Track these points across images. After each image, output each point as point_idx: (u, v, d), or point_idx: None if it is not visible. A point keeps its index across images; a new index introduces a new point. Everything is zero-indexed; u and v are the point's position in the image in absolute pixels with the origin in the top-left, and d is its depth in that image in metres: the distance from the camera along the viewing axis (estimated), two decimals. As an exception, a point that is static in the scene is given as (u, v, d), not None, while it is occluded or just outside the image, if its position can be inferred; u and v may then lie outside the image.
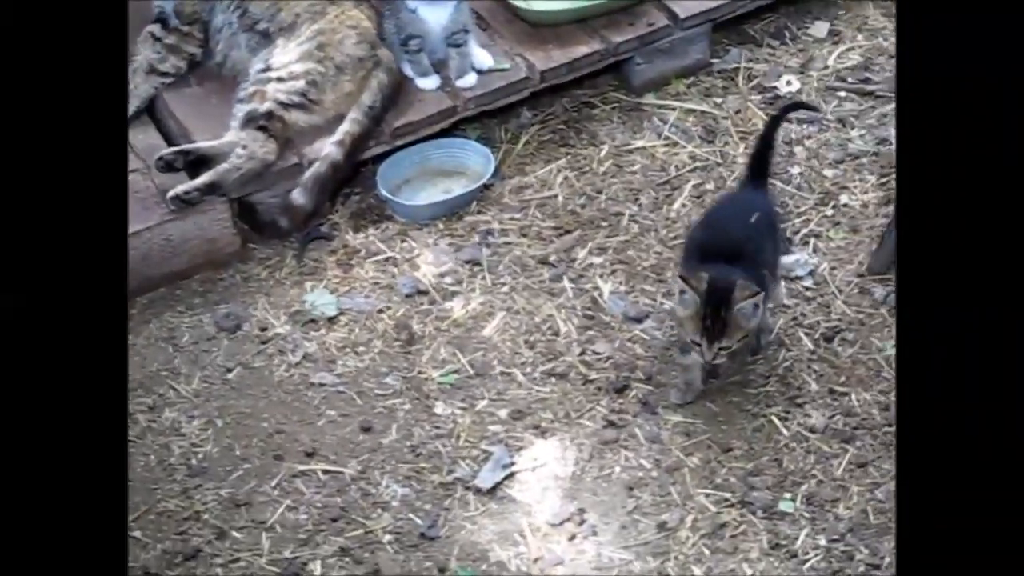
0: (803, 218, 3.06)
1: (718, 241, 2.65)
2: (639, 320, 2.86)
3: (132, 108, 3.13)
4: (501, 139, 3.29)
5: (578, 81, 3.38)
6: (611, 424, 2.67)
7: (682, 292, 2.54)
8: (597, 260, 3.00)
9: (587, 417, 2.69)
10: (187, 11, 3.23)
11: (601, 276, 2.96)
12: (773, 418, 2.67)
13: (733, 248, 2.59)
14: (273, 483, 2.58)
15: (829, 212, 3.07)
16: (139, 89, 3.16)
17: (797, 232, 3.02)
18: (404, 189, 3.16)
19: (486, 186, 3.14)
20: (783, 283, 2.86)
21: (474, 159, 3.20)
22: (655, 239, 3.05)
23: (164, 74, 3.20)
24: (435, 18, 3.12)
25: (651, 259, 3.00)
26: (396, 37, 3.17)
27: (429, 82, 3.18)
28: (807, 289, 2.90)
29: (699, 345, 2.55)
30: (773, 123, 2.87)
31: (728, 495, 2.54)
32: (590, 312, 2.88)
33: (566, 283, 2.94)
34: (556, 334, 2.84)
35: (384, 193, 3.08)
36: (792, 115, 3.19)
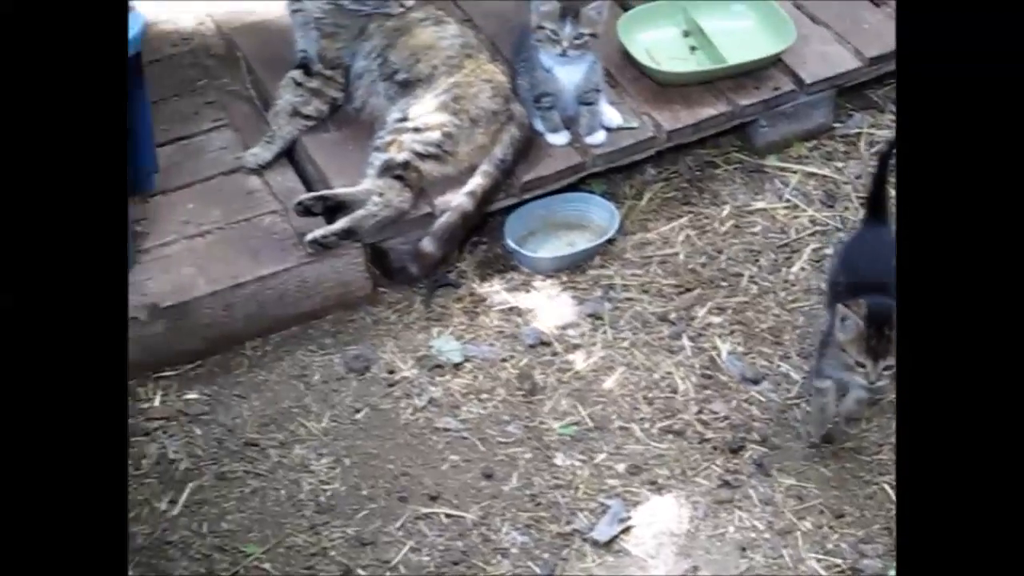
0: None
1: (861, 277, 2.71)
2: (756, 381, 2.92)
3: (276, 149, 3.25)
4: (625, 195, 3.37)
5: (702, 140, 3.45)
6: (726, 484, 2.73)
7: (843, 319, 2.60)
8: (716, 320, 3.06)
9: (702, 475, 2.75)
10: (330, 56, 3.34)
11: (720, 336, 3.02)
12: (885, 486, 2.70)
13: (877, 282, 2.62)
14: (397, 524, 2.66)
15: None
16: (282, 131, 3.27)
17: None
18: (529, 240, 3.24)
19: (609, 241, 3.22)
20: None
21: (598, 214, 3.28)
22: (773, 301, 3.10)
23: (307, 117, 3.30)
24: (569, 77, 3.20)
25: (769, 321, 3.05)
26: (529, 93, 3.25)
27: (559, 138, 3.26)
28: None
29: (864, 366, 2.61)
30: (883, 160, 2.88)
31: (839, 561, 2.58)
32: (708, 371, 2.94)
33: (685, 341, 3.00)
34: (674, 391, 2.90)
35: (511, 244, 3.17)
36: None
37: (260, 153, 3.23)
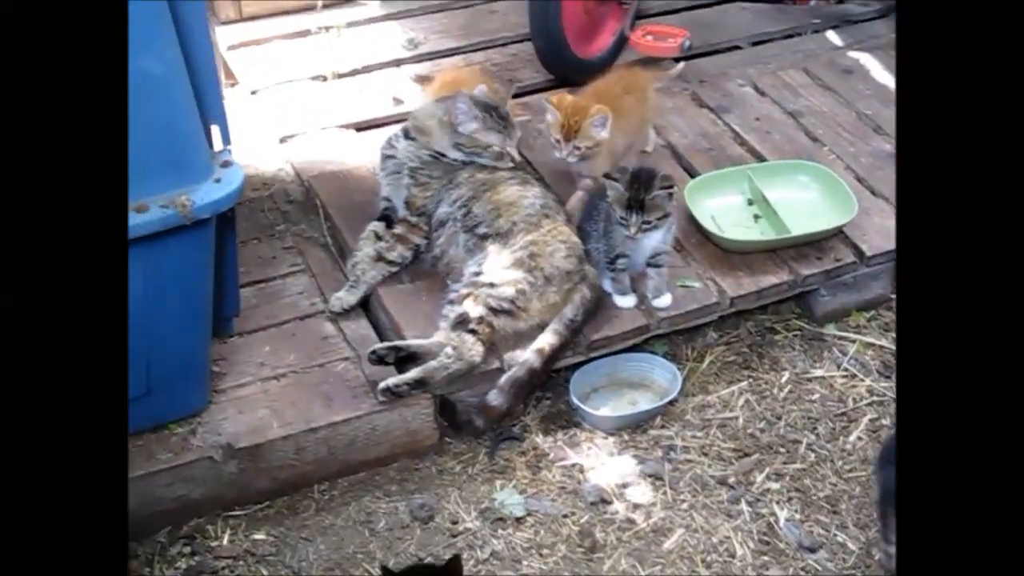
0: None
1: None
2: (813, 550, 2.95)
3: (360, 294, 3.35)
4: (687, 356, 3.45)
5: (763, 307, 3.54)
6: (782, 652, 2.76)
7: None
8: (774, 486, 3.11)
9: (759, 643, 2.78)
10: (417, 203, 3.46)
11: (777, 502, 3.07)
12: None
13: None
14: None
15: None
16: (366, 275, 3.37)
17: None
18: (592, 397, 3.32)
19: (671, 402, 3.29)
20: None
21: (660, 374, 3.36)
22: (831, 470, 3.15)
23: (391, 263, 3.41)
24: (646, 240, 3.27)
25: (826, 489, 3.10)
26: (602, 256, 3.35)
27: (627, 301, 3.35)
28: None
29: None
30: None
31: None
32: (766, 537, 2.99)
33: (743, 506, 3.05)
34: (732, 556, 2.94)
35: (575, 401, 3.25)
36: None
37: (345, 297, 3.33)
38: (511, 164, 3.46)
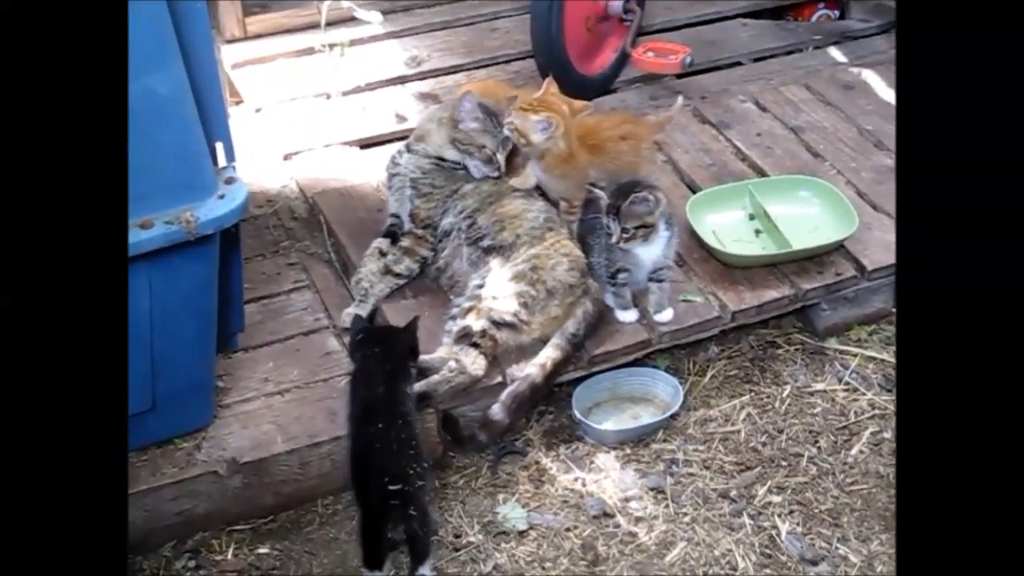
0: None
1: None
2: (814, 563, 2.96)
3: (369, 307, 3.37)
4: (688, 371, 3.47)
5: (764, 321, 3.56)
6: (784, 665, 2.77)
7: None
8: (776, 499, 3.12)
9: (761, 655, 2.79)
10: (422, 215, 3.49)
11: (779, 515, 3.08)
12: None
13: None
14: None
15: None
16: (375, 288, 3.40)
17: None
18: (594, 412, 3.34)
19: (673, 416, 3.31)
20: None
21: (663, 388, 3.37)
22: (832, 483, 3.16)
23: (398, 275, 3.45)
24: (646, 253, 3.29)
25: (828, 503, 3.11)
26: (604, 270, 3.37)
27: (629, 315, 3.37)
28: None
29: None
30: None
31: None
32: (767, 550, 3.00)
33: (745, 519, 3.07)
34: (734, 569, 2.95)
35: (577, 415, 3.26)
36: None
37: (355, 312, 3.34)
38: (496, 173, 3.49)
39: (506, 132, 3.43)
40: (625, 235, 3.21)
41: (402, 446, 2.80)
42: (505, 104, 3.54)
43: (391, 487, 2.72)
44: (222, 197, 2.74)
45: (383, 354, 2.98)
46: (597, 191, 3.28)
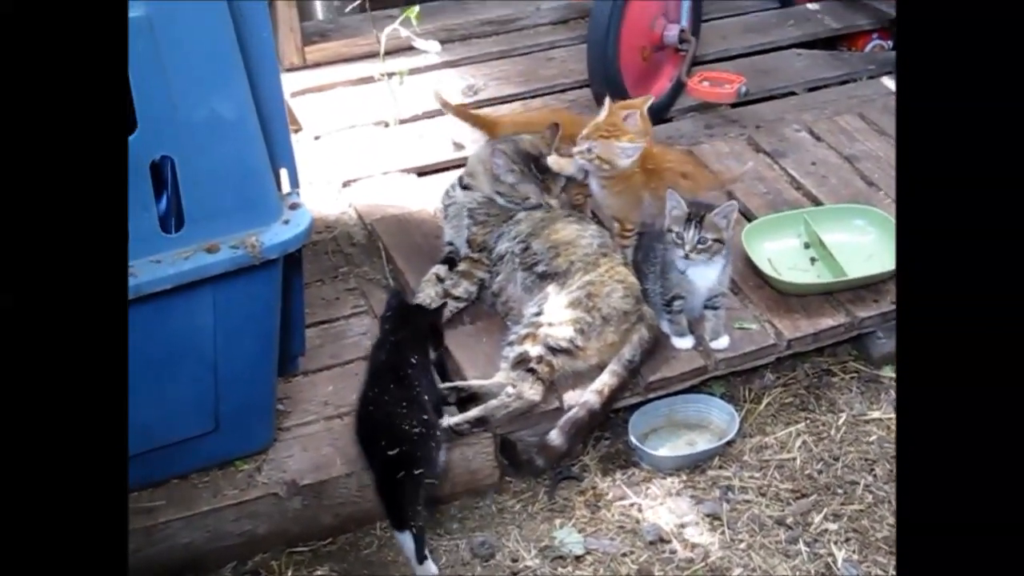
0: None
1: None
2: (871, 591, 2.97)
3: None
4: (744, 398, 3.48)
5: (820, 349, 3.56)
6: None
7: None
8: (832, 527, 3.12)
9: None
10: (479, 240, 3.54)
11: (835, 543, 3.08)
12: None
13: None
14: None
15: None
16: None
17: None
18: (651, 438, 3.35)
19: (728, 443, 3.32)
20: None
21: (718, 415, 3.39)
22: (888, 511, 3.16)
23: (457, 298, 3.49)
24: (701, 280, 3.31)
25: (884, 531, 3.11)
26: (659, 297, 3.39)
27: (685, 342, 3.39)
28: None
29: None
30: None
31: None
32: (824, 578, 3.00)
33: (801, 546, 3.06)
34: (791, 596, 2.96)
35: (634, 441, 3.28)
36: None
37: None
38: (549, 211, 3.53)
39: (579, 162, 3.44)
40: (701, 245, 3.24)
41: (396, 407, 2.91)
42: (549, 134, 3.56)
43: (388, 452, 2.84)
44: (287, 222, 2.78)
45: (395, 325, 3.15)
46: (677, 195, 3.29)
